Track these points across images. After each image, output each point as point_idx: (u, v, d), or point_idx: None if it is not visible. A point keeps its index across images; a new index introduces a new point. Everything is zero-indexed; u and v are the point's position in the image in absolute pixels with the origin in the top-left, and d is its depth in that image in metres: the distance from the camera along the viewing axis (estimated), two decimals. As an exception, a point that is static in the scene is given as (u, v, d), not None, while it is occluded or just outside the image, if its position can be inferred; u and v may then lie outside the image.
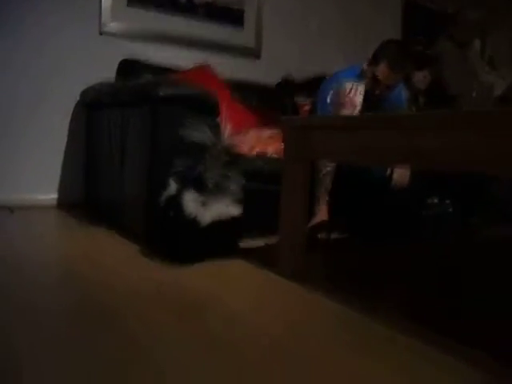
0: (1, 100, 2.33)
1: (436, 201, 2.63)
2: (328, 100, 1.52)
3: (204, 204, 1.47)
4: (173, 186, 1.51)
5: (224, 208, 1.51)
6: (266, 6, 3.09)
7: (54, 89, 2.43)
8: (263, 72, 3.08)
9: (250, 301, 1.23)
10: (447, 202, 2.66)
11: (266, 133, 2.43)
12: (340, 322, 1.12)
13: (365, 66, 1.96)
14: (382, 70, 1.86)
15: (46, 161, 2.45)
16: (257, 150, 2.22)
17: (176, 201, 1.47)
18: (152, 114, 1.70)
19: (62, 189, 2.51)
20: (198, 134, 1.47)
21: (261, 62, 3.14)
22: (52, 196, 2.48)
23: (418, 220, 2.43)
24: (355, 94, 1.39)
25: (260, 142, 2.31)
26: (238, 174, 1.56)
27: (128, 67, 2.42)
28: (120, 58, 2.47)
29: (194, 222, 1.43)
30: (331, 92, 1.47)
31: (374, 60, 1.92)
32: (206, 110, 1.72)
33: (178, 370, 0.82)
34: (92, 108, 2.30)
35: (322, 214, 1.84)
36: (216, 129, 1.53)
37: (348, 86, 1.38)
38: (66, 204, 2.47)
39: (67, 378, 0.77)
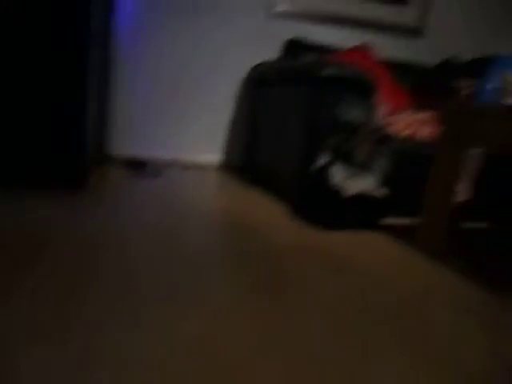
0: (188, 70, 2.76)
1: None
2: (489, 87, 1.50)
3: (350, 177, 1.60)
4: (324, 158, 1.67)
5: (368, 185, 1.61)
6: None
7: (226, 63, 2.78)
8: (427, 52, 3.02)
9: (387, 268, 1.36)
10: None
11: (419, 116, 2.42)
12: (464, 303, 1.18)
13: None
14: None
15: (215, 127, 2.85)
16: (407, 132, 2.25)
17: (325, 171, 1.64)
18: (313, 92, 1.88)
19: (227, 153, 2.89)
20: (350, 113, 1.59)
21: (424, 41, 3.06)
22: (217, 158, 2.89)
23: None
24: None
25: (411, 124, 2.33)
26: (386, 155, 1.64)
27: (293, 47, 2.63)
28: (286, 37, 2.70)
29: (338, 192, 1.59)
30: (501, 78, 1.45)
31: None
32: (363, 91, 1.83)
33: (322, 309, 1.02)
34: (259, 83, 2.58)
35: (462, 193, 1.84)
36: (368, 109, 1.61)
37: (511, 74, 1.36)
38: (228, 166, 2.86)
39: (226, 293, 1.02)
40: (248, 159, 2.71)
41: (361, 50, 2.64)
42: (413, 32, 3.04)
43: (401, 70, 2.78)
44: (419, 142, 2.15)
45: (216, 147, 2.89)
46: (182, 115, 2.80)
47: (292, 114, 2.08)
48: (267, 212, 1.84)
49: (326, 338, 0.88)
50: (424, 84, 2.85)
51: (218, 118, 2.86)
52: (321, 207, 1.70)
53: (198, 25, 2.71)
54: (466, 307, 1.14)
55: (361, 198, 1.64)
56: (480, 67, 2.20)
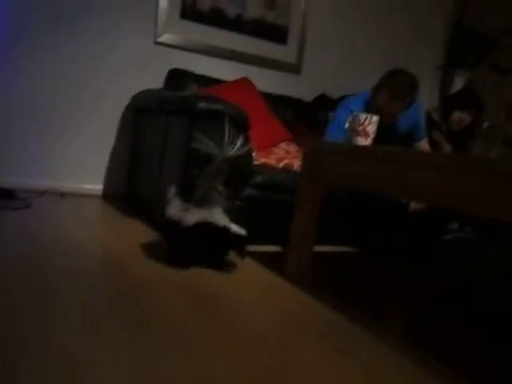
0: (65, 93, 2.62)
1: (457, 226, 2.69)
2: (346, 125, 1.67)
3: (186, 210, 1.55)
4: (172, 191, 1.65)
5: (208, 215, 1.55)
6: (310, 25, 3.26)
7: (110, 91, 2.71)
8: (302, 88, 3.25)
9: (254, 296, 1.40)
10: (468, 228, 2.72)
11: (296, 147, 2.59)
12: (327, 324, 1.27)
13: (371, 93, 2.09)
14: (382, 97, 1.99)
15: (95, 155, 2.73)
16: (284, 162, 2.39)
17: (167, 204, 1.62)
18: (190, 124, 1.91)
19: (108, 181, 2.79)
20: (205, 146, 1.54)
21: (301, 78, 3.30)
22: (98, 187, 2.76)
23: (435, 244, 2.51)
24: (369, 124, 1.52)
25: (289, 155, 2.48)
26: (233, 187, 1.64)
27: (176, 76, 2.66)
28: (170, 67, 2.73)
29: (177, 223, 1.54)
30: (350, 119, 1.62)
31: (377, 87, 2.04)
32: (237, 124, 1.91)
33: (186, 347, 1.01)
34: (140, 112, 2.56)
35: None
36: (223, 141, 1.56)
37: (363, 116, 1.53)
38: (110, 195, 2.76)
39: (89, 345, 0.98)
40: (130, 188, 2.65)
41: (242, 83, 2.77)
42: (291, 69, 3.26)
43: (280, 103, 2.96)
44: (295, 172, 2.30)
45: (97, 175, 2.77)
46: (59, 141, 2.64)
47: (168, 145, 2.09)
48: (139, 246, 1.80)
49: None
50: (303, 116, 3.06)
51: (102, 146, 2.75)
52: (168, 241, 1.68)
53: (80, 48, 2.61)
54: (319, 333, 1.22)
55: (204, 226, 1.55)
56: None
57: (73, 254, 1.56)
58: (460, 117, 2.62)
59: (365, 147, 1.41)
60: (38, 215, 2.08)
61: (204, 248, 1.63)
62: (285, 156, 2.42)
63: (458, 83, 3.70)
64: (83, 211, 2.34)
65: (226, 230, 1.55)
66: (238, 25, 3.03)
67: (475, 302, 1.81)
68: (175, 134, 2.07)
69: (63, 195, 2.54)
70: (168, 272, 1.51)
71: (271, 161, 2.30)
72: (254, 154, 2.11)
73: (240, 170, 1.70)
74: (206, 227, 1.54)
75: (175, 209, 1.57)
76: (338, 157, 1.43)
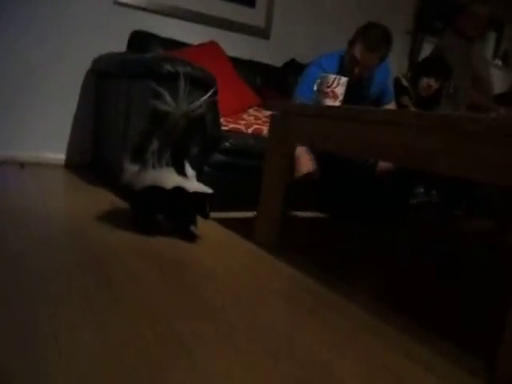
0: (18, 62, 2.47)
1: (422, 190, 2.75)
2: (315, 87, 1.63)
3: (138, 174, 1.48)
4: (127, 157, 1.55)
5: (156, 176, 1.46)
6: (279, -13, 3.15)
7: (68, 55, 2.56)
8: (272, 53, 3.18)
9: (223, 262, 1.39)
10: (433, 192, 2.78)
11: (266, 112, 2.55)
12: (298, 287, 1.28)
13: (347, 46, 2.09)
14: (358, 49, 1.99)
15: (56, 122, 2.61)
16: (254, 128, 2.34)
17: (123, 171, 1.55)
18: (155, 87, 1.83)
19: (70, 149, 2.67)
20: (162, 102, 1.44)
21: (270, 43, 3.22)
22: (60, 156, 2.65)
23: (403, 207, 2.56)
24: (337, 85, 1.50)
25: (258, 120, 2.44)
26: (195, 146, 1.57)
27: (139, 39, 2.54)
28: (132, 29, 2.60)
29: (131, 188, 1.50)
30: (318, 81, 1.59)
31: (353, 40, 2.04)
32: (202, 85, 1.85)
33: (152, 311, 0.99)
34: (102, 76, 2.44)
35: (304, 165, 1.89)
36: (178, 97, 1.44)
37: (331, 77, 1.50)
38: (72, 164, 2.65)
39: (55, 317, 0.95)
40: (93, 156, 2.55)
41: (209, 46, 2.67)
42: (259, 33, 3.17)
43: (249, 68, 2.89)
44: (263, 137, 2.27)
45: (59, 144, 2.66)
46: (16, 108, 2.50)
47: (132, 110, 2.01)
48: (105, 214, 1.74)
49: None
50: (273, 82, 3.01)
51: (63, 113, 2.63)
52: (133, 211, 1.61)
53: (35, 10, 2.44)
54: (289, 295, 1.23)
55: (154, 189, 1.46)
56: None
57: (35, 225, 1.50)
58: (428, 83, 2.64)
59: (333, 107, 1.39)
60: (-4, 185, 1.98)
61: (164, 214, 1.57)
62: (254, 122, 2.38)
63: (427, 49, 3.69)
64: (45, 181, 2.24)
65: (177, 192, 1.43)
66: (203, -15, 2.90)
67: (438, 261, 1.87)
68: (139, 99, 1.98)
69: (23, 165, 2.43)
70: (134, 240, 1.47)
71: (240, 126, 2.26)
72: (222, 120, 2.06)
73: (202, 128, 1.59)
74: (155, 191, 1.44)
75: (129, 174, 1.51)
76: (306, 118, 1.41)
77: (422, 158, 1.01)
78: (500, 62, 4.77)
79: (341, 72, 2.08)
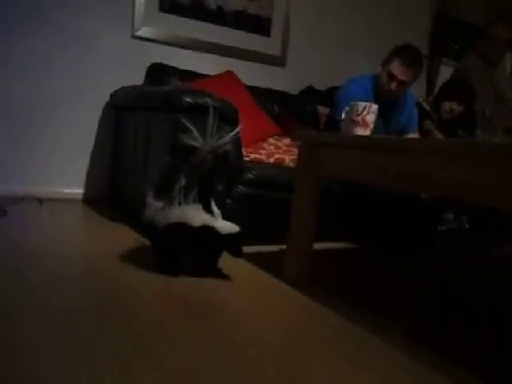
0: (36, 98, 2.47)
1: (451, 216, 2.64)
2: (342, 116, 1.58)
3: (161, 210, 1.41)
4: (150, 193, 1.49)
5: (180, 214, 1.39)
6: (293, 16, 3.15)
7: (86, 89, 2.56)
8: (288, 80, 3.15)
9: (252, 304, 1.30)
10: (463, 218, 2.66)
11: (286, 141, 2.49)
12: (335, 331, 1.18)
13: (379, 68, 2.16)
14: (395, 65, 2.06)
15: (74, 156, 2.58)
16: (275, 157, 2.28)
17: (145, 207, 1.47)
18: (175, 120, 1.79)
19: (88, 184, 2.64)
20: (188, 137, 1.39)
21: (286, 71, 3.20)
22: (78, 190, 2.62)
23: (433, 235, 2.45)
24: (368, 113, 1.43)
25: (279, 149, 2.38)
26: (223, 182, 1.49)
27: (156, 71, 2.53)
28: (150, 62, 2.59)
29: (153, 225, 1.42)
30: (346, 109, 1.53)
31: (387, 59, 2.11)
32: (226, 119, 1.80)
33: (183, 365, 0.90)
34: (120, 109, 2.42)
35: None
36: (207, 133, 1.40)
37: (361, 105, 1.43)
38: (90, 198, 2.61)
39: (74, 372, 0.86)
40: (112, 191, 2.51)
41: (226, 76, 2.65)
42: (275, 62, 3.15)
43: (267, 97, 2.85)
44: (286, 167, 2.20)
45: (77, 179, 2.62)
46: (35, 144, 2.49)
47: (152, 142, 1.96)
48: (126, 253, 1.67)
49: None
50: (291, 110, 2.97)
51: (82, 147, 2.61)
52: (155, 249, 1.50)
53: (55, 48, 2.46)
54: (325, 341, 1.13)
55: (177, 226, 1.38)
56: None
57: (54, 264, 1.43)
58: (450, 106, 2.57)
59: (368, 137, 1.31)
60: (16, 223, 1.93)
61: (189, 253, 1.48)
62: (275, 151, 2.32)
63: (444, 72, 3.65)
64: (64, 217, 2.20)
65: (205, 230, 1.36)
66: (219, 17, 2.91)
67: (479, 296, 1.75)
68: (159, 132, 1.94)
69: (41, 201, 2.39)
70: (158, 281, 1.39)
71: (261, 156, 2.20)
72: (243, 150, 2.00)
73: (227, 164, 1.53)
74: (181, 228, 1.36)
75: (152, 210, 1.43)
76: (338, 149, 1.34)
77: (476, 192, 0.92)
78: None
79: (376, 93, 2.09)
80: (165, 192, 1.42)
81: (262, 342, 1.05)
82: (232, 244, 1.40)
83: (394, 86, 2.08)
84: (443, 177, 0.99)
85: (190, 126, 1.40)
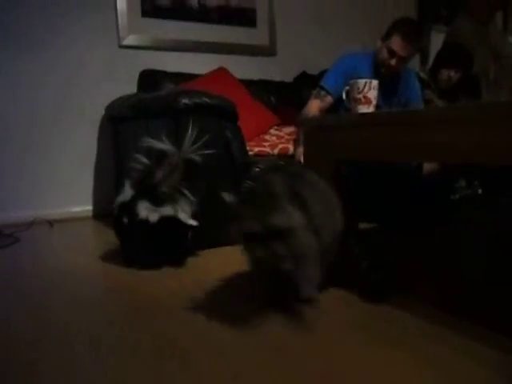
0: (38, 118, 2.46)
1: (464, 184, 2.60)
2: (344, 96, 1.55)
3: (153, 209, 1.49)
4: (125, 193, 1.55)
5: (172, 211, 1.50)
6: (277, 3, 3.11)
7: (83, 104, 2.55)
8: (281, 69, 3.11)
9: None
10: (475, 183, 2.63)
11: (287, 130, 2.47)
12: (369, 315, 1.16)
13: (378, 43, 2.10)
14: (395, 40, 2.00)
15: (78, 174, 2.57)
16: (279, 148, 2.26)
17: (130, 206, 1.51)
18: (174, 124, 1.77)
19: (96, 199, 2.63)
20: (159, 143, 1.52)
21: (277, 60, 3.16)
22: (87, 207, 2.60)
23: (447, 205, 2.42)
24: (369, 90, 1.40)
25: (281, 139, 2.35)
26: (193, 189, 1.55)
27: (148, 78, 2.50)
28: (140, 70, 2.56)
29: (145, 222, 1.48)
30: (347, 88, 1.50)
31: (387, 34, 2.06)
32: (226, 116, 1.78)
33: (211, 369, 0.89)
34: (117, 121, 2.39)
35: None
36: (184, 139, 1.53)
37: (361, 82, 1.40)
38: (100, 214, 2.60)
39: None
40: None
41: (218, 73, 2.62)
42: (265, 52, 3.11)
43: (262, 89, 2.82)
44: (290, 156, 2.18)
45: (85, 196, 2.61)
46: (39, 167, 2.48)
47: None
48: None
49: None
50: (287, 97, 2.93)
51: (83, 163, 2.59)
52: (129, 245, 1.60)
53: (45, 70, 2.44)
54: (365, 325, 1.10)
55: (167, 220, 1.49)
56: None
57: (73, 285, 1.42)
58: (448, 74, 2.52)
59: (375, 113, 1.28)
60: (29, 249, 1.93)
61: (168, 245, 1.54)
62: (278, 141, 2.30)
63: (436, 38, 3.59)
64: (76, 237, 2.19)
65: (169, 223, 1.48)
66: (202, 14, 2.88)
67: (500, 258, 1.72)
68: (159, 138, 1.92)
69: (52, 223, 2.38)
70: (179, 286, 1.37)
71: (265, 148, 2.17)
72: (246, 145, 1.98)
73: (196, 173, 1.56)
74: (172, 223, 1.48)
75: (144, 209, 1.49)
76: (344, 130, 1.31)
77: (491, 153, 0.89)
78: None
79: (373, 69, 2.05)
80: (138, 186, 1.51)
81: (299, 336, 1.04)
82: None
83: (394, 61, 2.03)
84: (456, 143, 0.96)
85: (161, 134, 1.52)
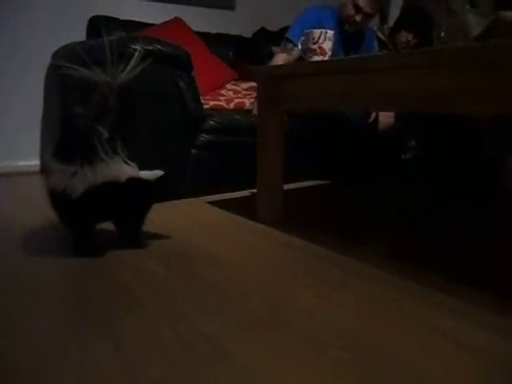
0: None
1: (414, 143, 2.67)
2: (299, 46, 1.52)
3: (74, 175, 1.09)
4: (49, 156, 1.15)
5: (103, 173, 1.11)
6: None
7: (30, 52, 2.38)
8: (239, 23, 3.01)
9: (231, 245, 1.29)
10: (424, 144, 2.70)
11: (244, 85, 2.42)
12: (317, 260, 1.19)
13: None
14: None
15: (26, 126, 2.43)
16: (235, 102, 2.22)
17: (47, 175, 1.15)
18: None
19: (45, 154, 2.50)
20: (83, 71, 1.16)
21: (236, 14, 3.06)
22: (34, 162, 2.48)
23: (398, 163, 2.48)
24: (324, 40, 1.39)
25: (238, 94, 2.31)
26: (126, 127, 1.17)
27: (98, 25, 2.36)
28: (90, 15, 2.40)
29: (64, 195, 1.10)
30: (301, 38, 1.47)
31: None
32: (179, 65, 1.72)
33: (167, 311, 0.89)
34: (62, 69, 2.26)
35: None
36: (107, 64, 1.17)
37: (316, 32, 1.38)
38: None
39: (59, 324, 0.84)
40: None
41: (174, 24, 2.51)
42: (224, 5, 3.00)
43: (219, 42, 2.74)
44: (247, 111, 2.14)
45: (33, 149, 2.48)
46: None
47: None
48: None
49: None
50: (245, 53, 2.86)
51: (30, 115, 2.44)
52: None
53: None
54: (312, 269, 1.14)
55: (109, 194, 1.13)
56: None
57: (17, 236, 1.37)
58: (406, 37, 2.53)
59: (329, 61, 1.27)
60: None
61: (115, 218, 1.21)
62: (234, 96, 2.26)
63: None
64: (20, 190, 2.09)
65: (133, 184, 1.14)
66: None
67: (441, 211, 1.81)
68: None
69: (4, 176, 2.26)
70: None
71: (221, 103, 2.13)
72: (201, 98, 1.93)
73: (133, 100, 1.20)
74: (106, 189, 1.10)
75: (60, 177, 1.10)
76: (298, 79, 1.30)
77: (444, 100, 0.91)
78: (468, 6, 4.68)
79: (337, 25, 2.03)
80: (74, 152, 1.10)
81: (245, 279, 1.05)
82: (163, 189, 1.23)
83: (359, 17, 2.00)
84: (409, 90, 0.98)
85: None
